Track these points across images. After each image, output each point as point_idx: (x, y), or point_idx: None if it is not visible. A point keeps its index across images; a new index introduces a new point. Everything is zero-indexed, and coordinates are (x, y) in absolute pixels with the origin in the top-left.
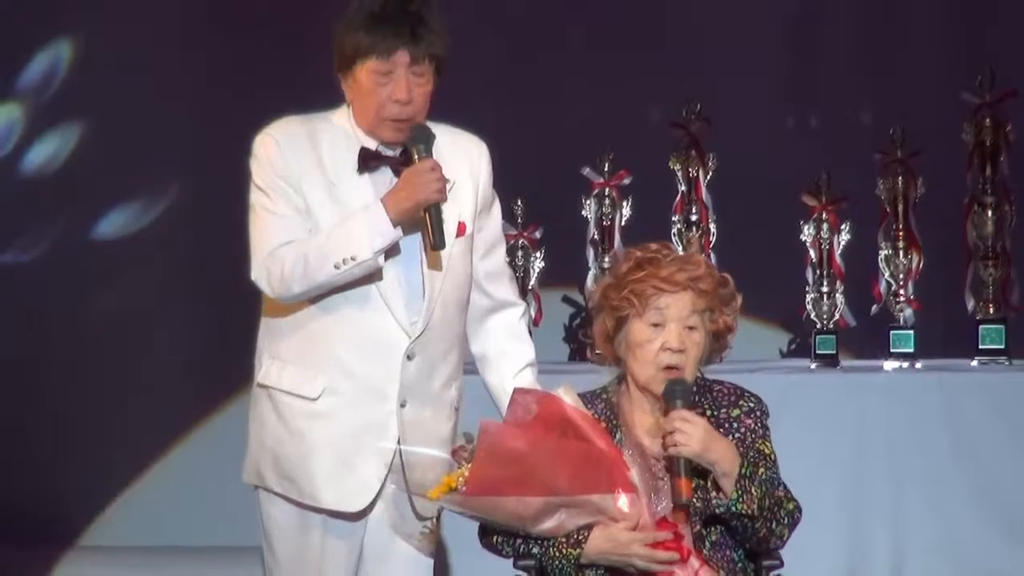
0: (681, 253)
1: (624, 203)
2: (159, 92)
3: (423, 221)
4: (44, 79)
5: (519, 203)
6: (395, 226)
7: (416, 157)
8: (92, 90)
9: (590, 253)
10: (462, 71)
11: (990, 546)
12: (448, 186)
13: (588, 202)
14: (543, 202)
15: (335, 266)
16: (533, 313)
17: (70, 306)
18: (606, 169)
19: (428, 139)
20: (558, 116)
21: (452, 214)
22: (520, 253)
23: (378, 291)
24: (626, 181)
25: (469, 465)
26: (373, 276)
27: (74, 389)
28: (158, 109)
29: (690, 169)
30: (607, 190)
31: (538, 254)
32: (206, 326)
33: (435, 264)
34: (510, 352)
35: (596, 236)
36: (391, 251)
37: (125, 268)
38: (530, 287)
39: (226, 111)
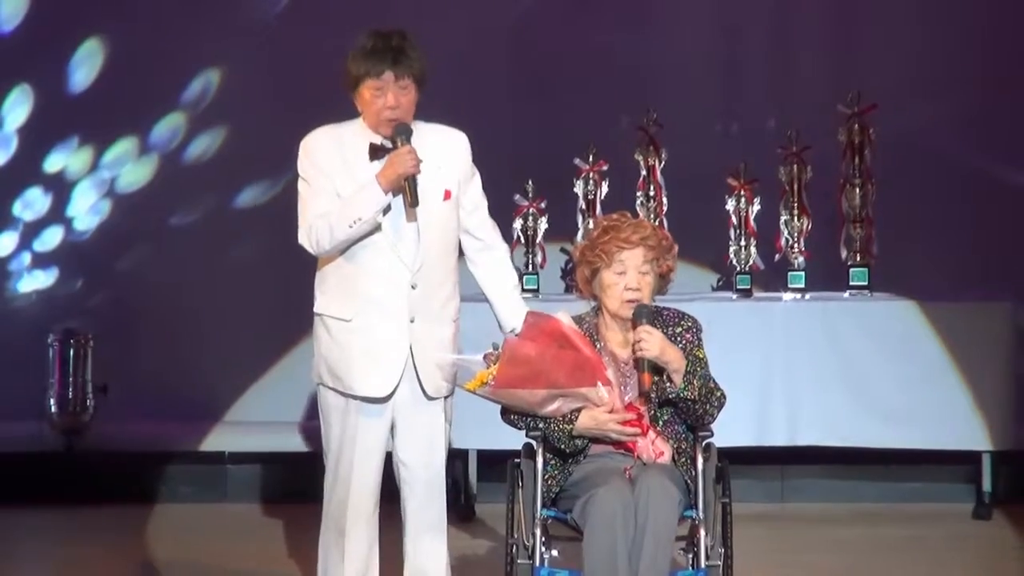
0: (633, 220)
1: (603, 183)
2: (272, 106)
3: (404, 187)
4: (199, 97)
5: (530, 183)
6: (386, 193)
7: (399, 144)
8: (231, 105)
9: (579, 218)
10: (495, 93)
11: (856, 420)
12: (426, 165)
13: (578, 183)
14: (547, 182)
15: (348, 225)
16: (540, 260)
17: (216, 252)
18: (590, 159)
19: (407, 132)
20: (560, 123)
21: (439, 184)
22: (531, 217)
23: (384, 241)
24: (604, 168)
25: (496, 366)
26: (376, 230)
27: (218, 308)
28: (274, 119)
29: (649, 159)
30: (591, 174)
31: (543, 218)
32: (308, 266)
33: (425, 220)
34: (498, 277)
35: (583, 207)
36: (386, 210)
37: (252, 227)
38: (538, 241)
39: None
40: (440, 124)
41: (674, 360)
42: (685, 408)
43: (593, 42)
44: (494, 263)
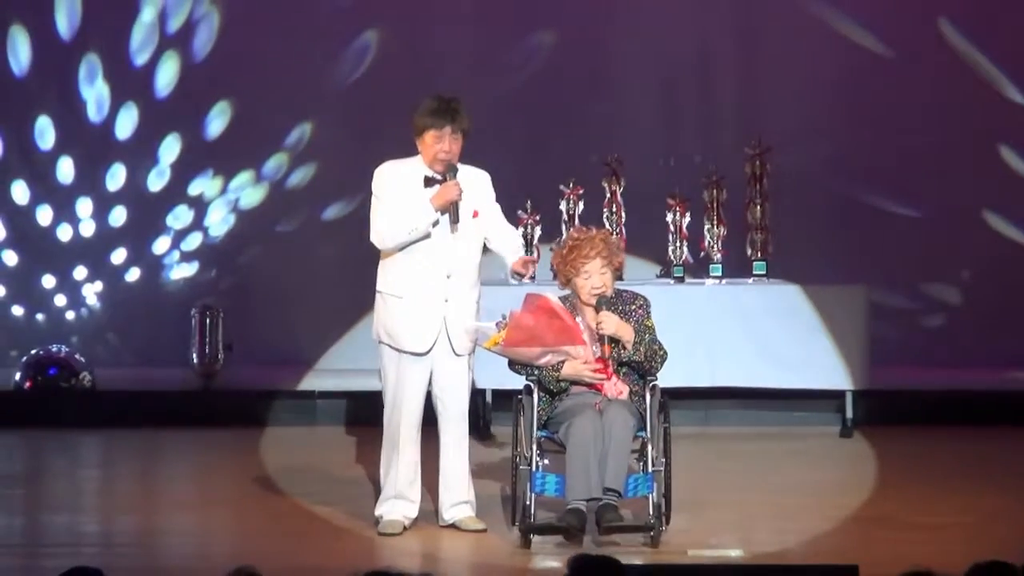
0: (588, 236)
1: (580, 202)
2: (347, 148)
3: (450, 209)
4: (297, 142)
5: (529, 202)
6: (435, 212)
7: (448, 178)
8: (319, 147)
9: (563, 227)
10: (505, 142)
11: (757, 367)
12: (464, 194)
13: (562, 202)
14: (542, 202)
15: (407, 232)
16: (536, 256)
17: (309, 250)
18: (571, 185)
19: (455, 170)
20: (550, 161)
21: (470, 206)
22: (529, 226)
23: (431, 244)
24: (581, 191)
25: (505, 331)
26: (426, 236)
27: (309, 290)
28: (349, 157)
29: (612, 186)
30: (571, 196)
31: (538, 227)
32: (372, 259)
33: (460, 231)
34: (508, 242)
35: (566, 219)
36: (434, 224)
37: (334, 233)
38: (534, 243)
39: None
40: (471, 165)
41: (625, 334)
42: (636, 365)
43: (572, 104)
44: (507, 239)
